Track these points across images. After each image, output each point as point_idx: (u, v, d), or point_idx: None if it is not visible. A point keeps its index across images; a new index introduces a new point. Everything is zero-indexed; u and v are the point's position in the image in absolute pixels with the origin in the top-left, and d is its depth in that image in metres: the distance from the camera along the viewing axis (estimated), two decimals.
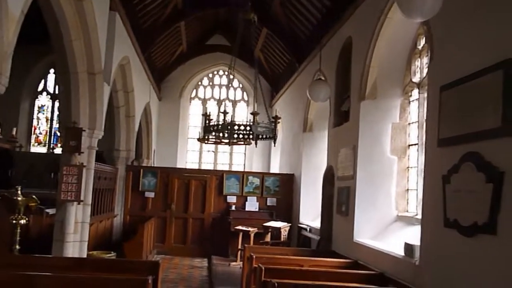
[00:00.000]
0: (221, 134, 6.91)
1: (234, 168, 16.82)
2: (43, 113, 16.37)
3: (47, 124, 16.35)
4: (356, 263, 6.55)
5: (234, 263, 10.03)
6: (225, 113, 6.61)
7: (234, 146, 17.08)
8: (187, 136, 17.13)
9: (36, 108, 16.24)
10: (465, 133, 4.14)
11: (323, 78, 8.54)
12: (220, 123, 6.58)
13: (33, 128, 16.16)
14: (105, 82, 7.80)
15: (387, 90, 7.08)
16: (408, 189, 6.84)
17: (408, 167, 6.87)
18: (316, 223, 9.74)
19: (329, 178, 8.85)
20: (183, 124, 16.93)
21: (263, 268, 5.23)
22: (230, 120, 6.48)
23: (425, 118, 6.35)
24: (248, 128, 6.30)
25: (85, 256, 7.62)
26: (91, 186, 7.74)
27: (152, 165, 14.46)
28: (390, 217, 6.90)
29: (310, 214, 10.69)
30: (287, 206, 11.73)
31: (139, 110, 11.97)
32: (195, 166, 16.82)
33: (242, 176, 11.73)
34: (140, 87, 11.83)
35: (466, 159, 4.08)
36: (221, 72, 17.47)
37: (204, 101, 17.35)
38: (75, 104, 7.36)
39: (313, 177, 10.76)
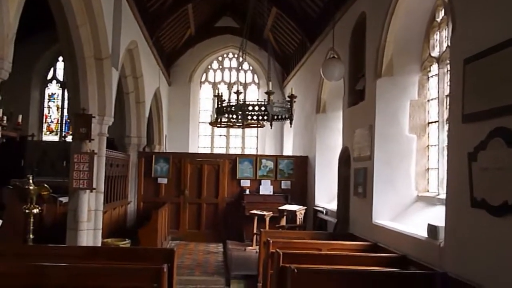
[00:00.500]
0: (234, 116, 6.68)
1: (246, 152, 16.66)
2: (54, 102, 16.31)
3: (58, 112, 16.29)
4: (376, 246, 6.37)
5: (249, 247, 9.92)
6: (238, 93, 6.38)
7: (246, 130, 16.95)
8: (198, 120, 16.97)
9: (46, 97, 16.17)
10: (492, 107, 3.89)
11: (336, 57, 8.27)
12: (233, 104, 6.32)
13: (44, 117, 16.12)
14: (113, 67, 7.63)
15: (404, 66, 6.80)
16: (428, 168, 6.60)
17: (428, 146, 6.63)
18: (332, 206, 9.57)
19: (344, 159, 8.65)
20: (194, 109, 16.76)
21: (281, 253, 5.07)
22: (243, 101, 6.22)
23: (446, 94, 6.12)
24: (262, 108, 6.03)
25: (99, 244, 7.55)
26: (103, 173, 7.63)
27: (164, 151, 14.35)
28: (410, 198, 6.69)
29: (325, 197, 10.51)
30: (301, 189, 11.56)
31: (149, 96, 11.81)
32: (207, 151, 16.71)
33: (255, 160, 11.56)
34: (149, 72, 11.65)
35: (494, 134, 3.84)
36: (230, 55, 17.21)
37: (215, 85, 17.13)
38: (84, 90, 7.21)
39: (327, 158, 10.56)
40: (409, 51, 6.73)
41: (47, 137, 16.05)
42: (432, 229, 4.96)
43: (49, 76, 16.12)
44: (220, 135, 17.11)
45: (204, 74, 17.14)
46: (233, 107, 6.28)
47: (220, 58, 17.22)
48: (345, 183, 8.62)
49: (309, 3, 10.73)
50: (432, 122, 6.55)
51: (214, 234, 11.33)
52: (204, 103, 16.90)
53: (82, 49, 6.83)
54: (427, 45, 6.58)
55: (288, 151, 14.91)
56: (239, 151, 16.63)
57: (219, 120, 7.03)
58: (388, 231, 6.27)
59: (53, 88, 16.26)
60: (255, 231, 10.01)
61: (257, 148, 16.83)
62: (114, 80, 7.77)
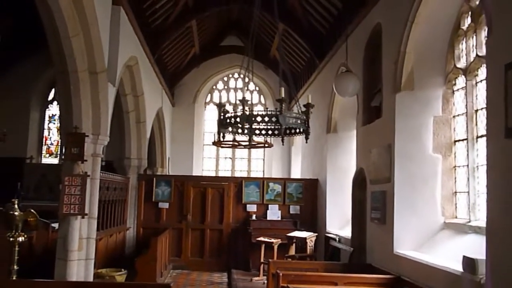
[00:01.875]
0: (239, 131, 6.02)
1: (252, 175, 16.00)
2: (54, 123, 15.79)
3: (58, 134, 15.75)
4: (399, 280, 5.68)
5: (256, 278, 9.18)
6: (244, 101, 5.75)
7: (252, 152, 16.34)
8: (203, 142, 16.38)
9: (46, 118, 15.66)
10: None
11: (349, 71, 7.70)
12: (239, 114, 5.69)
13: (44, 139, 15.59)
14: (109, 83, 7.09)
15: (427, 79, 6.22)
16: (456, 192, 5.93)
17: (455, 166, 5.97)
18: (346, 232, 8.86)
19: (359, 181, 7.99)
20: (198, 131, 16.19)
21: None
22: (249, 111, 5.58)
23: (476, 108, 5.50)
24: (273, 119, 5.35)
25: (91, 276, 6.87)
26: (96, 197, 7.01)
27: (167, 174, 13.72)
28: (435, 225, 6.01)
29: (337, 222, 9.80)
30: (311, 214, 10.86)
31: (150, 116, 11.26)
32: (211, 173, 16.06)
33: (262, 183, 10.90)
34: (151, 91, 11.13)
35: None
36: (236, 75, 16.72)
37: (220, 106, 16.56)
38: (76, 107, 6.65)
39: (339, 181, 9.90)
40: (432, 62, 6.16)
41: (47, 160, 15.48)
42: (470, 263, 4.27)
43: (50, 97, 15.64)
44: (225, 158, 16.50)
45: (209, 95, 16.63)
46: (239, 118, 5.60)
47: (225, 78, 16.74)
48: (360, 208, 7.97)
49: (318, 18, 10.24)
50: (459, 140, 5.90)
51: (218, 262, 10.60)
52: (208, 124, 16.31)
53: (75, 61, 6.28)
54: (451, 55, 6.00)
55: (296, 174, 14.24)
56: (244, 174, 15.98)
57: (222, 138, 6.34)
58: (413, 262, 5.57)
59: (54, 109, 15.77)
60: (262, 260, 9.29)
61: (263, 171, 16.17)
62: (111, 96, 7.22)
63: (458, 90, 5.97)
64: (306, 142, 5.89)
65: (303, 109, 5.88)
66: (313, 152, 11.59)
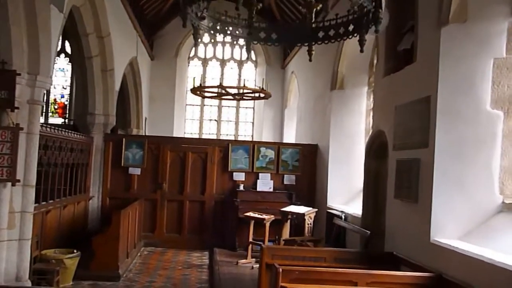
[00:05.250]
0: (229, 28, 4.13)
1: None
2: None
3: None
4: (441, 279, 4.13)
5: (243, 260, 7.64)
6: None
7: (241, 113, 14.61)
8: (185, 102, 14.58)
9: None
10: None
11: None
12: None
13: None
14: (52, 5, 5.25)
15: (487, 6, 4.54)
16: None
17: None
18: (353, 209, 7.33)
19: (375, 148, 6.40)
20: (180, 89, 14.35)
21: None
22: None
23: None
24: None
25: (27, 261, 5.21)
26: (35, 159, 5.30)
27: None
28: (491, 206, 4.49)
29: (342, 196, 8.27)
30: (309, 185, 9.28)
31: (120, 64, 9.43)
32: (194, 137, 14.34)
33: (252, 147, 9.22)
34: (121, 34, 9.26)
35: None
36: None
37: (205, 61, 14.74)
38: (4, 34, 4.85)
39: (345, 147, 8.32)
40: None
41: None
42: None
43: None
44: (210, 120, 14.76)
45: (193, 49, 14.71)
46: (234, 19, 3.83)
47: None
48: (375, 181, 6.40)
49: None
50: None
51: (198, 240, 9.01)
52: (192, 82, 14.43)
53: None
54: None
55: (290, 140, 12.59)
56: (232, 139, 14.28)
57: (201, 90, 4.53)
58: (459, 256, 4.07)
59: None
60: (251, 239, 7.73)
61: (252, 136, 14.49)
62: (55, 23, 5.37)
63: None
64: (377, 33, 3.56)
65: None
66: (312, 114, 9.93)
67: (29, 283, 5.18)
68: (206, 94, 8.17)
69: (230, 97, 7.44)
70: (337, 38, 3.78)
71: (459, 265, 4.04)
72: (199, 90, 6.16)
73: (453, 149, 4.55)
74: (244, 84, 7.15)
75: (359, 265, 4.91)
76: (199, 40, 13.69)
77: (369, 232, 5.66)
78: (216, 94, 7.01)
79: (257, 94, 7.95)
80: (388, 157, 5.76)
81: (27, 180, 5.16)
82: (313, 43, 3.88)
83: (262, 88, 6.25)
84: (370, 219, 6.33)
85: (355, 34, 3.68)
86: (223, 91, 6.10)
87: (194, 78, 6.05)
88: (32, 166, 5.23)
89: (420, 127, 4.90)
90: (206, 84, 9.29)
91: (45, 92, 5.58)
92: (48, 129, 6.24)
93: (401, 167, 5.27)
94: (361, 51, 3.64)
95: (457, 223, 4.50)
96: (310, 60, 3.91)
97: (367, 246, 5.66)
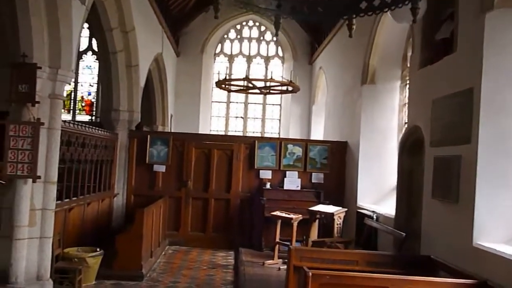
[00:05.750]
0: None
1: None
2: None
3: None
4: (485, 286, 3.77)
5: (270, 261, 7.38)
6: None
7: (267, 111, 14.34)
8: (211, 99, 14.42)
9: None
10: None
11: None
12: None
13: None
14: None
15: None
16: None
17: None
18: (385, 209, 6.98)
19: (409, 145, 6.04)
20: (206, 85, 14.19)
21: None
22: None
23: None
24: None
25: (48, 260, 5.09)
26: (56, 154, 5.15)
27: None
28: None
29: (372, 196, 7.91)
30: (338, 184, 8.94)
31: (145, 60, 9.29)
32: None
33: (279, 145, 8.95)
34: (147, 29, 9.12)
35: None
36: (250, 23, 14.58)
37: (231, 58, 14.53)
38: (24, 27, 4.72)
39: (376, 145, 7.96)
40: None
41: None
42: None
43: None
44: (236, 117, 14.55)
45: (219, 45, 14.53)
46: None
47: (238, 26, 14.59)
48: (409, 179, 6.04)
49: None
50: None
51: (223, 239, 8.80)
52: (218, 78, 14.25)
53: None
54: None
55: (317, 137, 12.25)
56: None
57: (226, 83, 4.27)
58: (508, 263, 3.68)
59: None
60: (277, 239, 7.47)
61: (279, 134, 14.21)
62: (77, 15, 5.23)
63: None
64: (414, 22, 3.12)
65: None
66: (341, 110, 9.59)
67: (50, 283, 5.05)
68: (232, 88, 7.89)
69: (257, 91, 7.17)
70: (383, 9, 3.29)
71: (506, 272, 3.69)
72: (224, 84, 5.94)
73: (498, 145, 4.19)
74: (271, 77, 6.85)
75: (393, 269, 4.61)
76: (225, 36, 13.42)
77: (404, 234, 5.31)
78: (242, 88, 6.76)
79: (284, 88, 7.66)
80: (424, 154, 5.41)
81: (48, 177, 5.03)
82: (354, 15, 3.44)
83: (290, 81, 5.95)
84: (404, 220, 5.98)
85: (406, 2, 3.16)
86: (250, 85, 5.84)
87: (219, 71, 5.84)
88: (54, 162, 5.09)
89: (461, 122, 4.54)
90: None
91: (67, 86, 5.43)
92: (72, 125, 6.12)
93: (440, 164, 4.91)
94: (414, 21, 3.20)
95: (503, 225, 4.14)
96: (350, 35, 3.53)
97: (401, 249, 5.31)
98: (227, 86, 7.14)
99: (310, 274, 3.73)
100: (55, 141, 5.09)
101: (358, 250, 5.74)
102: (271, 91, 7.97)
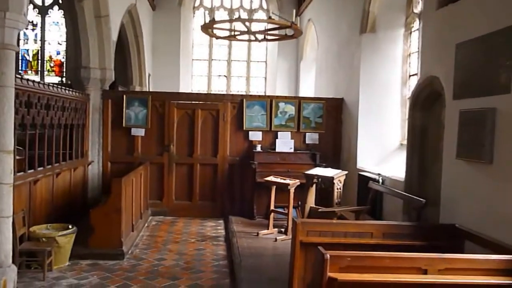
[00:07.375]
0: None
1: None
2: None
3: None
4: None
5: (265, 231, 6.74)
6: None
7: (252, 68, 13.42)
8: (192, 57, 13.41)
9: None
10: None
11: None
12: None
13: None
14: None
15: None
16: None
17: None
18: (388, 171, 6.34)
19: (424, 98, 5.32)
20: (186, 42, 13.15)
21: None
22: None
23: None
24: None
25: (9, 241, 4.29)
26: (10, 118, 4.26)
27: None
28: None
29: (373, 156, 7.25)
30: (334, 144, 8.27)
31: (117, 10, 8.25)
32: None
33: (269, 103, 8.15)
34: None
35: None
36: None
37: (211, 11, 13.43)
38: None
39: (377, 99, 7.26)
40: None
41: None
42: None
43: None
44: (219, 76, 13.62)
45: None
46: None
47: None
48: (422, 137, 5.37)
49: None
50: None
51: (211, 207, 8.11)
52: (198, 34, 13.18)
53: None
54: None
55: (307, 95, 11.46)
56: None
57: (213, 26, 3.45)
58: None
59: None
60: (272, 207, 6.80)
61: (265, 93, 13.36)
62: None
63: None
64: None
65: None
66: (336, 63, 8.77)
67: (13, 269, 4.28)
68: (221, 34, 6.90)
69: (251, 37, 6.22)
70: None
71: None
72: (211, 27, 5.07)
73: None
74: (270, 17, 5.94)
75: (414, 241, 4.01)
76: None
77: (423, 200, 4.65)
78: (232, 35, 5.86)
79: (283, 33, 6.69)
80: (444, 108, 4.69)
81: (2, 145, 4.16)
82: None
83: (292, 23, 5.07)
84: (416, 183, 5.35)
85: None
86: (240, 30, 4.92)
87: (204, 12, 4.99)
88: (8, 127, 4.21)
89: (497, 68, 3.80)
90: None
91: (33, 45, 4.48)
92: (31, 83, 5.20)
93: (467, 119, 4.20)
94: None
95: None
96: None
97: (419, 218, 4.67)
98: (214, 32, 6.21)
99: (328, 256, 3.04)
100: (8, 101, 4.19)
101: (372, 221, 5.10)
102: (266, 37, 7.03)
